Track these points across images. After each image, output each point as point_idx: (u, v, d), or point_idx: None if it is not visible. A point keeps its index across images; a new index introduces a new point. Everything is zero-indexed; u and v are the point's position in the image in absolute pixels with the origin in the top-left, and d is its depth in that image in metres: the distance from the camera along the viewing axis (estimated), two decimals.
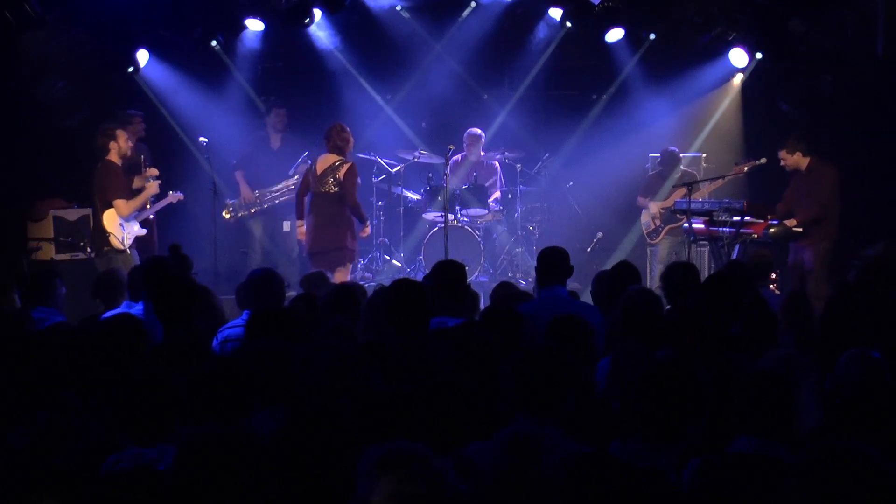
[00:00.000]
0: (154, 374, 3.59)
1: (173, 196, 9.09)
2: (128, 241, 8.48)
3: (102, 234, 8.41)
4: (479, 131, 10.75)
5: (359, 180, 8.81)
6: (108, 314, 5.54)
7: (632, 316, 4.67)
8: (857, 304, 5.05)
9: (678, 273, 5.56)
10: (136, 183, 8.89)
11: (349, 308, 5.31)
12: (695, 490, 2.78)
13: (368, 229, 8.95)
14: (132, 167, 8.95)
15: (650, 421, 3.05)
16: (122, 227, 8.41)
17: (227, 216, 10.06)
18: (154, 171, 8.97)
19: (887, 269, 6.34)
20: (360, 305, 5.40)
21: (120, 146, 8.55)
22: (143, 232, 8.69)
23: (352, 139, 8.79)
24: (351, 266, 8.86)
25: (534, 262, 6.44)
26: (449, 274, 5.46)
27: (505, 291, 6.03)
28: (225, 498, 2.61)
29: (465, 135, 10.72)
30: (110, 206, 8.43)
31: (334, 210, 8.59)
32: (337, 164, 8.57)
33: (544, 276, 5.47)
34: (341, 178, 8.52)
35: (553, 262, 5.48)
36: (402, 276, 9.71)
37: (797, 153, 8.74)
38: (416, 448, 2.52)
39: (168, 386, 3.53)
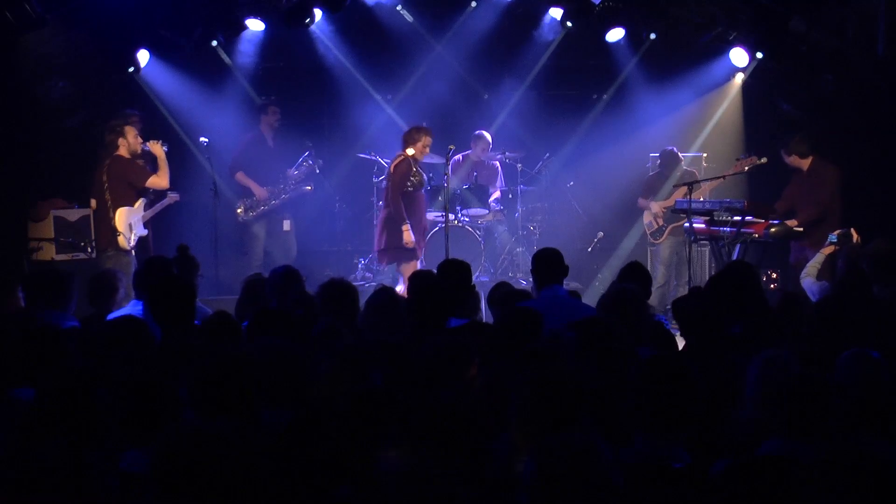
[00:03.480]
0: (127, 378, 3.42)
1: (171, 197, 9.07)
2: (132, 243, 8.43)
3: (111, 233, 8.34)
4: (488, 136, 10.76)
5: (412, 176, 8.74)
6: (113, 315, 5.51)
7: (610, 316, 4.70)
8: (853, 304, 5.04)
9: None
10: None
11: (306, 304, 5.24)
12: (723, 492, 2.79)
13: (407, 234, 8.69)
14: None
15: (649, 414, 3.30)
16: (130, 228, 8.36)
17: (241, 212, 10.04)
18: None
19: (880, 266, 6.32)
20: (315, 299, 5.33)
21: (129, 142, 8.56)
22: (146, 233, 8.65)
23: (420, 142, 8.78)
24: (417, 262, 8.80)
25: None
26: (455, 274, 5.46)
27: (503, 292, 6.02)
28: (212, 496, 2.56)
29: (474, 135, 10.77)
30: (123, 203, 8.43)
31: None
32: (395, 157, 8.65)
33: (542, 276, 5.52)
34: (391, 170, 8.56)
35: (550, 263, 5.54)
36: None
37: (794, 155, 8.75)
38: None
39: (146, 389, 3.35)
